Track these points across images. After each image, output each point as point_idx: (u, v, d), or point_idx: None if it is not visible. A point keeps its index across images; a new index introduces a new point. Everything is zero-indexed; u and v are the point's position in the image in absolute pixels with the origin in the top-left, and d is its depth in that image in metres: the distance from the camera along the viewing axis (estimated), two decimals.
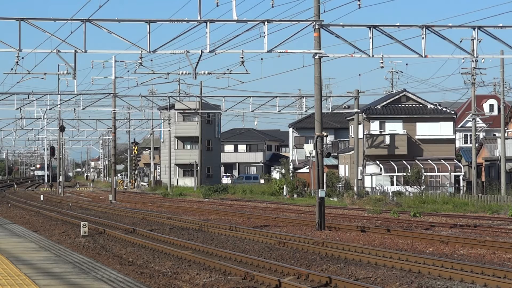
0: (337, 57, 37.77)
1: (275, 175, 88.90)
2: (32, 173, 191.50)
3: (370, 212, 45.88)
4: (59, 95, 68.71)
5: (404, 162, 70.35)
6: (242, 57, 35.17)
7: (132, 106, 76.47)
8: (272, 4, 33.35)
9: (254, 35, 37.10)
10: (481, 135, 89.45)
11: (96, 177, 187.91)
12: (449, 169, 70.29)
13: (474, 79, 68.41)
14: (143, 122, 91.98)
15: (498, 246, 26.14)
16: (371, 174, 70.82)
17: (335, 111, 70.91)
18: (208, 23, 33.60)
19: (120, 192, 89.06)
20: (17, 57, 34.64)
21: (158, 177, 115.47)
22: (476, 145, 71.82)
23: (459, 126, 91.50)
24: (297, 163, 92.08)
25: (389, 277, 19.38)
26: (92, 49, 34.92)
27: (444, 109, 73.72)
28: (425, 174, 68.94)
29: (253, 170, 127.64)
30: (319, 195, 34.77)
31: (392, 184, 68.96)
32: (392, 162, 70.57)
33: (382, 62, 36.02)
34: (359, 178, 67.53)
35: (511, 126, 76.55)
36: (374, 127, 72.20)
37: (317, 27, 34.88)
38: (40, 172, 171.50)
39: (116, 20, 34.14)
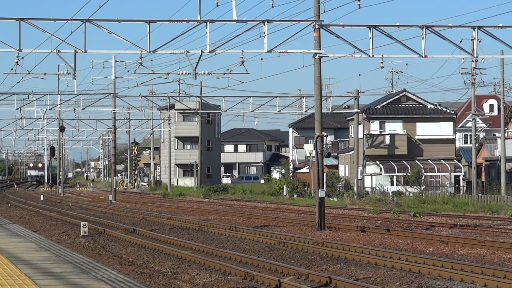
0: (337, 57, 37.79)
1: (275, 175, 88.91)
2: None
3: (370, 212, 45.88)
4: (59, 95, 68.72)
5: (404, 162, 70.35)
6: (242, 57, 35.18)
7: (132, 106, 76.55)
8: (272, 4, 33.38)
9: (254, 35, 37.15)
10: (481, 135, 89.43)
11: (96, 177, 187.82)
12: (449, 169, 70.28)
13: (474, 79, 68.41)
14: (143, 122, 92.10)
15: (498, 246, 26.14)
16: (371, 174, 70.81)
17: (335, 111, 70.91)
18: (208, 23, 33.61)
19: (120, 192, 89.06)
20: (17, 57, 34.66)
21: (158, 177, 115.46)
22: (476, 145, 71.82)
23: (459, 126, 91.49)
24: (297, 163, 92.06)
25: (389, 277, 19.38)
26: (92, 49, 34.93)
27: (444, 109, 73.72)
28: (425, 174, 68.90)
29: (253, 170, 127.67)
30: (319, 195, 34.76)
31: (392, 184, 68.96)
32: (392, 162, 70.56)
33: (382, 62, 36.03)
34: (359, 178, 67.53)
35: (511, 126, 76.53)
36: (374, 127, 72.20)
37: (317, 27, 34.88)
38: (33, 172, 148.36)
39: (116, 20, 34.15)
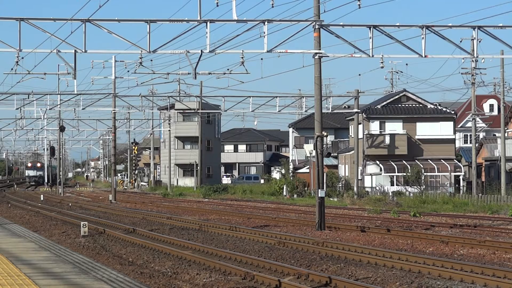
0: (337, 57, 37.78)
1: (275, 175, 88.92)
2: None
3: (370, 212, 45.88)
4: (59, 95, 68.73)
5: (404, 162, 70.36)
6: (242, 57, 35.18)
7: (132, 106, 76.64)
8: (272, 4, 33.38)
9: (254, 35, 37.15)
10: (481, 135, 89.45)
11: (96, 177, 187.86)
12: (449, 169, 70.29)
13: (474, 79, 68.42)
14: (143, 122, 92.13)
15: (498, 246, 26.15)
16: (371, 174, 70.82)
17: (335, 111, 70.91)
18: (208, 23, 33.61)
19: (120, 192, 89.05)
20: (17, 57, 34.66)
21: (158, 177, 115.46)
22: (476, 145, 71.82)
23: (459, 126, 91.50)
24: (297, 163, 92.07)
25: (389, 277, 19.38)
26: (92, 49, 34.93)
27: (444, 109, 73.73)
28: (425, 174, 68.93)
29: (253, 170, 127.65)
30: (319, 195, 34.77)
31: (392, 184, 68.96)
32: (392, 162, 70.57)
33: (382, 62, 36.04)
34: (359, 178, 67.53)
35: (511, 126, 76.55)
36: (374, 127, 72.20)
37: (317, 27, 34.88)
38: (31, 172, 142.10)
39: (116, 20, 34.15)
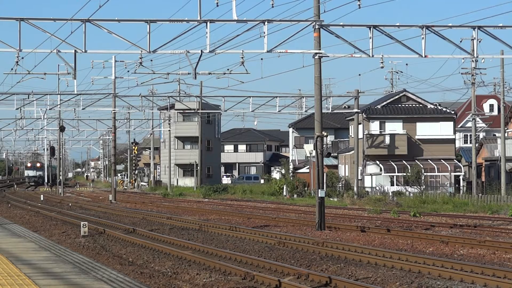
0: (337, 57, 37.78)
1: (275, 175, 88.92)
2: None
3: (370, 212, 45.88)
4: (59, 95, 68.73)
5: (404, 162, 70.36)
6: (242, 57, 35.18)
7: (132, 106, 76.65)
8: (272, 4, 33.39)
9: (254, 35, 37.16)
10: (481, 135, 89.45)
11: (96, 177, 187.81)
12: (449, 169, 70.29)
13: (474, 79, 68.42)
14: (143, 122, 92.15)
15: (498, 246, 26.15)
16: (371, 174, 70.82)
17: (335, 111, 70.90)
18: (208, 23, 33.62)
19: (120, 192, 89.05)
20: (17, 57, 34.67)
21: (158, 177, 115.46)
22: (476, 145, 71.82)
23: (459, 126, 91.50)
24: (297, 163, 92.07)
25: (389, 277, 19.38)
26: (92, 49, 34.93)
27: (444, 109, 73.73)
28: (425, 174, 68.92)
29: (253, 170, 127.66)
30: (319, 195, 34.77)
31: (392, 184, 68.97)
32: (392, 162, 70.57)
33: (382, 62, 36.04)
34: (359, 178, 67.52)
35: (511, 126, 76.54)
36: (374, 127, 72.21)
37: (317, 27, 34.89)
38: (31, 172, 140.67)
39: (116, 20, 34.16)
